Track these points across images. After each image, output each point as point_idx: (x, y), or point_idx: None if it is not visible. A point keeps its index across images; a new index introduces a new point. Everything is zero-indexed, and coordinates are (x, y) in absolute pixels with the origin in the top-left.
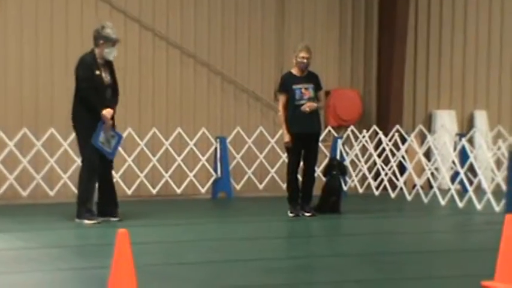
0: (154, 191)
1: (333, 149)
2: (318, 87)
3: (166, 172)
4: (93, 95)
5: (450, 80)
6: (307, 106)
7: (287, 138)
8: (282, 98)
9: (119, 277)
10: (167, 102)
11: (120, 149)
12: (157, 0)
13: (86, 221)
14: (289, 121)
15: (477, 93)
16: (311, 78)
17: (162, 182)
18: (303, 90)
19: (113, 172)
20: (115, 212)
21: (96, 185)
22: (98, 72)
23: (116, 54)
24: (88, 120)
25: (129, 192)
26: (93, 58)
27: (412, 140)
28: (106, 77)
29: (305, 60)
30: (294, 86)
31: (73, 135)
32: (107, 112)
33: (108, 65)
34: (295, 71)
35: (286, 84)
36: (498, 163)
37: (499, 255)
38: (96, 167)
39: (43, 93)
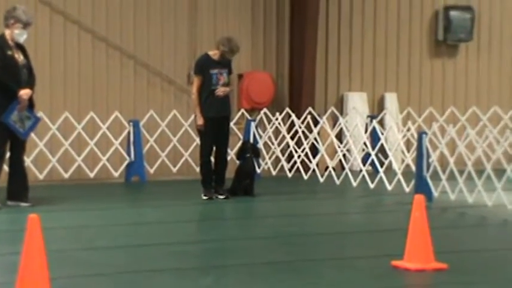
0: (66, 176)
1: (246, 132)
2: (230, 71)
3: (79, 156)
4: (5, 74)
5: (361, 63)
6: (221, 91)
7: (200, 121)
8: (196, 80)
9: (30, 263)
10: (79, 86)
11: (31, 133)
12: None
13: None
14: (203, 105)
15: (387, 76)
16: (226, 63)
17: (75, 166)
18: (218, 76)
19: (25, 156)
20: (26, 196)
21: (7, 169)
22: (9, 53)
23: (26, 37)
24: (4, 103)
25: (41, 176)
26: (2, 39)
27: (324, 122)
28: (19, 57)
29: (232, 58)
30: (211, 71)
31: None
32: (23, 92)
33: (21, 48)
34: (213, 55)
35: (202, 67)
36: (408, 144)
37: (408, 235)
38: (5, 153)
39: None
